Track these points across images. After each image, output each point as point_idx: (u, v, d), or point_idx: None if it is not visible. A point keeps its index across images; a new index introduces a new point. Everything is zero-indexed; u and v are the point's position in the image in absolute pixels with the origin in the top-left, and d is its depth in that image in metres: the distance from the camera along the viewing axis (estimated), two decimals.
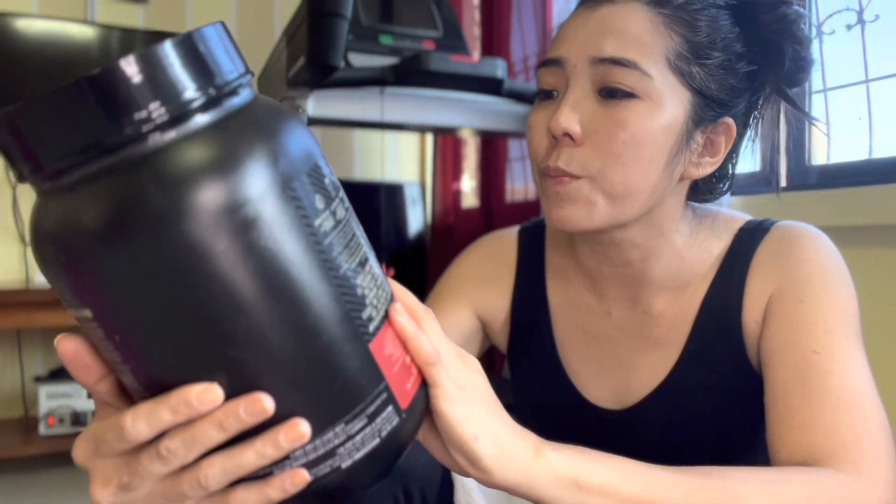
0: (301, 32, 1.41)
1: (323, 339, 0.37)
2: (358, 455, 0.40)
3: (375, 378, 0.40)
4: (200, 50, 0.35)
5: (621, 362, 0.75)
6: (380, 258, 0.44)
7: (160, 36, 2.33)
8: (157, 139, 0.34)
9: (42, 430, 2.06)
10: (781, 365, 0.63)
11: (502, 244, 0.85)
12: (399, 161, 2.93)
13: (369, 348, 0.40)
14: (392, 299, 0.44)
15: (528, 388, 0.81)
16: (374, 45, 1.69)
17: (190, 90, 0.34)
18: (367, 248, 0.42)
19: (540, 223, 0.85)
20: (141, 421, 0.36)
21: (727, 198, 1.36)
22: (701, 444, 0.72)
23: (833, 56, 1.42)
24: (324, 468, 0.39)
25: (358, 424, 0.40)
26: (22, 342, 2.32)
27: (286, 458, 0.39)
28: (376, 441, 0.41)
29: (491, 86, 1.63)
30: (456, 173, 2.71)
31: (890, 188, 1.20)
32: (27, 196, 2.29)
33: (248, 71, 0.38)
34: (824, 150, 1.44)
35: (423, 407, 0.45)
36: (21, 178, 0.35)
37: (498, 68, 1.61)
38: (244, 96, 0.38)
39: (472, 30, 2.54)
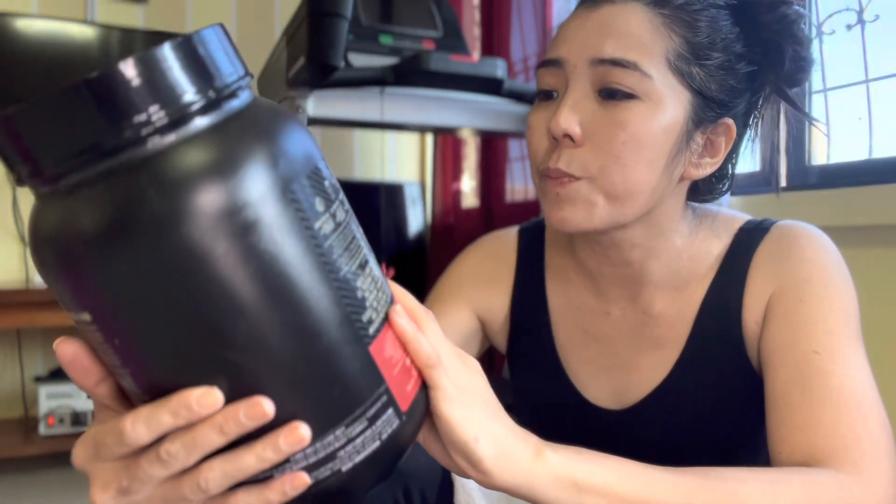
0: (301, 32, 1.41)
1: (323, 342, 0.37)
2: (358, 458, 0.40)
3: (376, 381, 0.40)
4: (200, 53, 0.35)
5: (621, 362, 0.75)
6: (380, 258, 0.44)
7: (160, 36, 2.33)
8: (157, 142, 0.34)
9: (42, 430, 2.06)
10: (782, 365, 0.63)
11: (502, 244, 0.85)
12: (399, 161, 2.93)
13: (369, 351, 0.40)
14: (392, 301, 0.44)
15: (527, 388, 0.81)
16: (374, 45, 1.69)
17: (189, 93, 0.34)
18: (366, 251, 0.42)
19: (540, 223, 0.85)
20: (141, 425, 0.36)
21: (727, 198, 1.36)
22: (701, 444, 0.72)
23: (833, 56, 1.42)
24: (324, 471, 0.39)
25: (358, 427, 0.40)
26: (22, 342, 2.32)
27: (286, 461, 0.38)
28: (377, 444, 0.41)
29: (491, 86, 1.63)
30: (456, 173, 2.71)
31: (890, 188, 1.20)
32: (27, 196, 2.29)
33: (247, 73, 0.38)
34: (824, 150, 1.44)
35: (424, 409, 0.45)
36: (19, 182, 0.35)
37: (498, 68, 1.61)
38: (243, 99, 0.38)
39: (472, 30, 2.53)
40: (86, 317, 0.35)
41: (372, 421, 0.40)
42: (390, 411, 0.41)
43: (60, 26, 2.23)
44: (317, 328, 0.37)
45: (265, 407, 0.36)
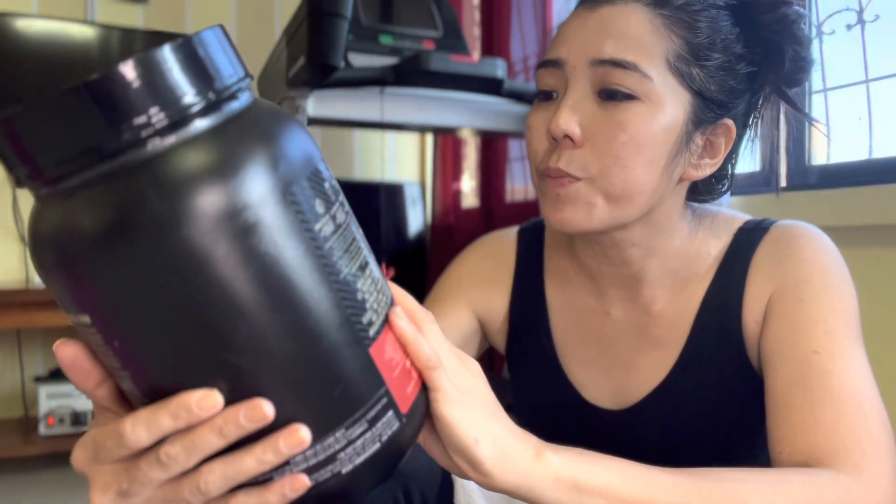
0: (301, 32, 1.41)
1: (323, 345, 0.37)
2: (358, 460, 0.40)
3: (376, 383, 0.40)
4: (200, 54, 0.35)
5: (621, 362, 0.75)
6: (380, 258, 0.44)
7: (160, 36, 2.33)
8: (157, 144, 0.34)
9: (42, 430, 2.06)
10: (782, 365, 0.63)
11: (501, 244, 0.85)
12: (399, 161, 2.93)
13: (370, 353, 0.40)
14: (392, 303, 0.44)
15: (527, 388, 0.81)
16: (374, 45, 1.69)
17: (189, 95, 0.34)
18: (367, 252, 0.42)
19: (539, 223, 0.85)
20: (140, 427, 0.36)
21: (727, 197, 1.36)
22: (701, 444, 0.72)
23: (833, 56, 1.42)
24: (324, 473, 0.39)
25: (358, 429, 0.40)
26: (22, 342, 2.32)
27: (286, 463, 0.38)
28: (377, 446, 0.41)
29: (491, 86, 1.63)
30: (456, 173, 2.71)
31: (890, 188, 1.20)
32: (27, 196, 2.29)
33: (247, 75, 0.38)
34: (824, 150, 1.44)
35: (424, 411, 0.45)
36: (19, 183, 0.35)
37: (498, 68, 1.61)
38: (244, 100, 0.38)
39: (472, 30, 2.53)
40: (85, 319, 0.35)
41: (372, 423, 0.40)
42: (390, 413, 0.41)
43: (60, 26, 2.23)
44: (317, 330, 0.37)
45: (265, 409, 0.36)
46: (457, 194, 2.71)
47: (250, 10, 2.65)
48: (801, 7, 0.67)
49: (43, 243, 0.34)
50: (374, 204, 2.58)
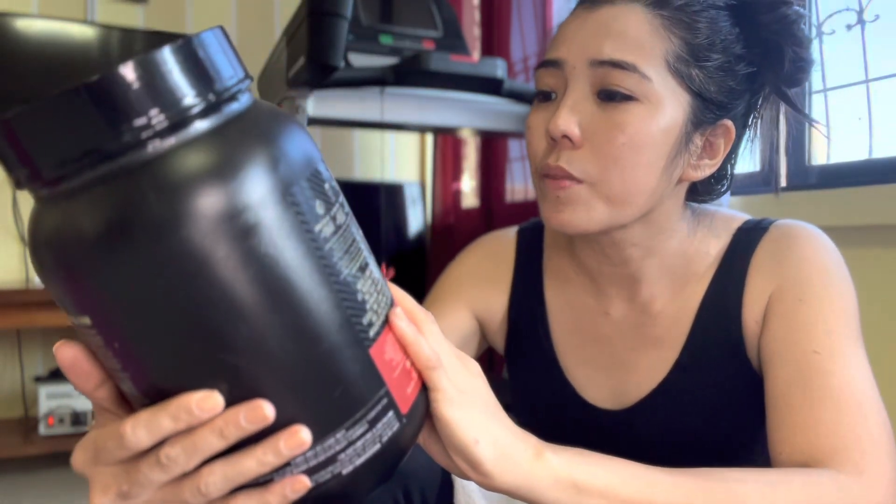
0: (301, 32, 1.41)
1: (324, 346, 0.37)
2: (359, 461, 0.40)
3: (376, 383, 0.40)
4: (200, 56, 0.35)
5: (620, 362, 0.75)
6: (379, 258, 0.44)
7: (160, 36, 2.33)
8: (157, 146, 0.34)
9: (42, 430, 2.06)
10: (782, 365, 0.63)
11: (501, 244, 0.85)
12: (399, 161, 2.93)
13: (370, 354, 0.40)
14: (392, 303, 0.44)
15: (526, 388, 0.81)
16: (374, 45, 1.69)
17: (189, 96, 0.34)
18: (366, 253, 0.42)
19: (538, 223, 0.85)
20: (141, 429, 0.36)
21: (727, 198, 1.36)
22: (700, 444, 0.72)
23: (833, 56, 1.42)
24: (325, 474, 0.39)
25: (359, 430, 0.40)
26: (22, 342, 2.32)
27: (287, 464, 0.38)
28: (377, 447, 0.41)
29: (491, 86, 1.63)
30: (456, 173, 2.71)
31: (890, 188, 1.20)
32: (28, 196, 2.29)
33: (247, 76, 0.38)
34: (824, 150, 1.44)
35: (424, 411, 0.45)
36: (19, 185, 0.35)
37: (498, 68, 1.61)
38: (243, 102, 0.38)
39: (472, 30, 2.53)
40: (85, 320, 0.35)
41: (372, 424, 0.40)
42: (391, 414, 0.41)
43: (60, 26, 2.23)
44: (317, 331, 0.37)
45: (265, 410, 0.36)
46: (457, 194, 2.71)
47: (250, 10, 2.65)
48: (801, 7, 0.67)
49: (43, 245, 0.34)
50: (374, 204, 2.58)
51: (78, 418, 2.08)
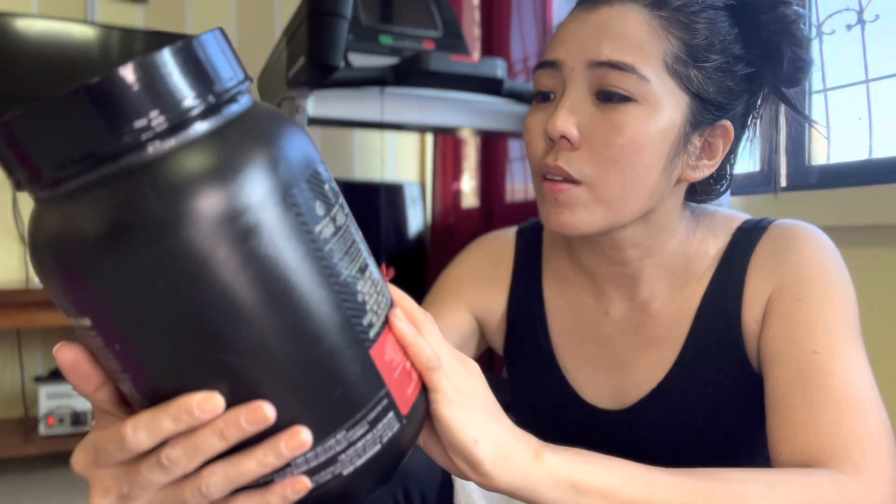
0: (301, 32, 1.41)
1: (324, 347, 0.37)
2: (359, 462, 0.40)
3: (376, 384, 0.40)
4: (199, 57, 0.35)
5: (619, 362, 0.75)
6: (379, 258, 0.44)
7: (160, 36, 2.33)
8: (157, 147, 0.34)
9: (42, 430, 2.06)
10: (781, 365, 0.63)
11: (500, 244, 0.85)
12: (399, 161, 2.93)
13: (370, 355, 0.40)
14: (391, 304, 0.44)
15: (525, 388, 0.81)
16: (374, 45, 1.69)
17: (189, 98, 0.34)
18: (366, 254, 0.42)
19: (538, 223, 0.85)
20: (142, 430, 0.36)
21: (727, 198, 1.36)
22: (700, 444, 0.72)
23: (833, 56, 1.42)
24: (325, 475, 0.39)
25: (359, 431, 0.40)
26: (22, 342, 2.32)
27: (287, 465, 0.38)
28: (377, 447, 0.41)
29: (491, 86, 1.63)
30: (456, 173, 2.71)
31: (890, 188, 1.21)
32: (28, 196, 2.29)
33: (247, 77, 0.38)
34: (824, 151, 1.44)
35: (424, 412, 0.45)
36: (19, 187, 0.35)
37: (498, 68, 1.61)
38: (243, 103, 0.38)
39: (472, 30, 2.54)
40: (86, 322, 0.35)
41: (373, 424, 0.40)
42: (391, 415, 0.41)
43: (60, 26, 2.23)
44: (317, 332, 0.37)
45: (266, 411, 0.36)
46: (457, 194, 2.72)
47: (250, 10, 2.65)
48: (801, 7, 0.67)
49: (43, 247, 0.35)
50: (374, 204, 2.58)
51: (78, 418, 2.09)
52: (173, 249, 0.33)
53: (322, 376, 0.38)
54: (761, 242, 0.70)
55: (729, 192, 0.74)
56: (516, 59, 2.28)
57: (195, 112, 0.34)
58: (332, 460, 0.39)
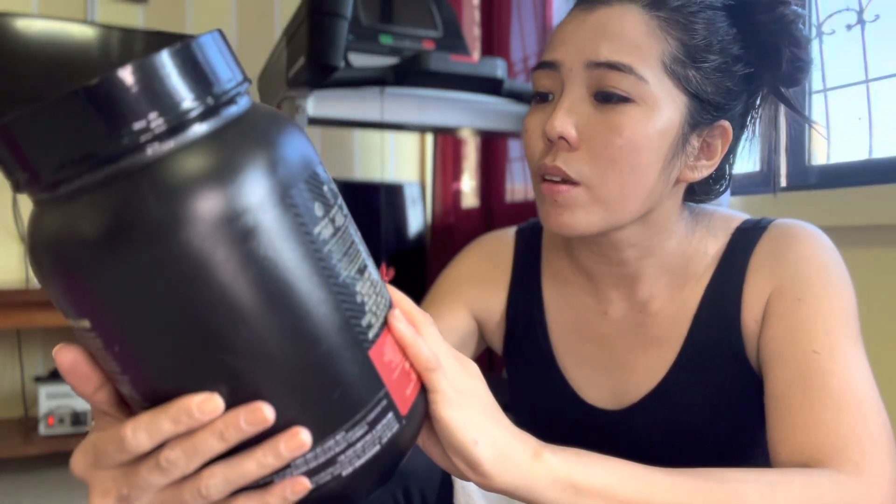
0: (301, 32, 1.41)
1: (323, 348, 0.37)
2: (359, 462, 0.40)
3: (375, 385, 0.40)
4: (198, 59, 0.35)
5: (619, 362, 0.75)
6: (379, 258, 0.44)
7: (160, 36, 2.33)
8: (156, 149, 0.34)
9: (42, 430, 2.06)
10: (781, 365, 0.63)
11: (499, 244, 0.85)
12: (399, 161, 2.93)
13: (369, 355, 0.40)
14: (390, 305, 0.44)
15: (524, 388, 0.82)
16: (374, 45, 1.69)
17: (188, 100, 0.34)
18: (365, 255, 0.42)
19: (537, 224, 0.85)
20: (141, 431, 0.36)
21: (727, 198, 1.36)
22: (700, 444, 0.72)
23: (833, 56, 1.42)
24: (325, 476, 0.39)
25: (358, 432, 0.40)
26: (22, 342, 2.32)
27: (287, 466, 0.39)
28: (377, 448, 0.41)
29: (491, 86, 1.63)
30: (456, 173, 2.71)
31: (890, 188, 1.21)
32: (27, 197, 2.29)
33: (245, 79, 0.38)
34: (824, 151, 1.44)
35: (423, 412, 0.45)
36: (18, 188, 0.35)
37: (498, 68, 1.61)
38: (242, 105, 0.38)
39: (472, 30, 2.53)
40: (85, 323, 0.35)
41: (372, 425, 0.40)
42: (390, 415, 0.41)
43: (60, 26, 2.23)
44: (316, 333, 0.37)
45: (265, 412, 0.36)
46: (457, 194, 2.71)
47: (250, 10, 2.65)
48: (800, 7, 0.67)
49: (42, 248, 0.35)
50: (374, 204, 2.58)
51: (78, 418, 2.09)
52: (172, 251, 0.33)
53: (321, 377, 0.38)
54: (761, 242, 0.70)
55: (728, 192, 0.74)
56: (516, 59, 2.28)
57: (194, 114, 0.34)
58: (331, 461, 0.39)
